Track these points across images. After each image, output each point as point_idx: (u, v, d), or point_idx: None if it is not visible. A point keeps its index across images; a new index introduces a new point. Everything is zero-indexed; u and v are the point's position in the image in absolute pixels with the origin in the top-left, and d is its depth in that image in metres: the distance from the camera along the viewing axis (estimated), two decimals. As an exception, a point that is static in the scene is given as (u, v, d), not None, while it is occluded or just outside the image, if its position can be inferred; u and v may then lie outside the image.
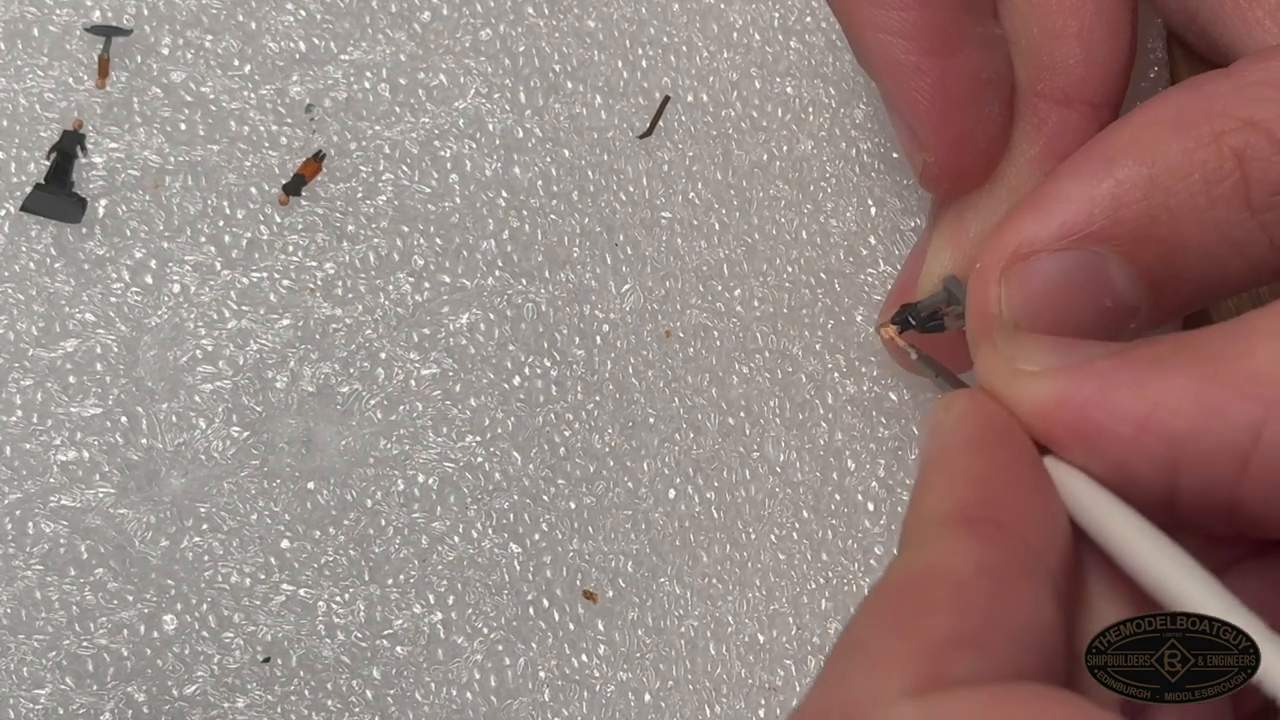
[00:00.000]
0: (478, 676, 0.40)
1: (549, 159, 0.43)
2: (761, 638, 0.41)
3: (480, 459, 0.41)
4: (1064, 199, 0.34)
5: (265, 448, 0.41)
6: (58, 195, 0.41)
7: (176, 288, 0.42)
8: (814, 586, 0.41)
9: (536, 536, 0.41)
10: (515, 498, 0.41)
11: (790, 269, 0.43)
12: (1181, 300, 0.36)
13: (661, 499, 0.41)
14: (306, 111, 0.43)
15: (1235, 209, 0.33)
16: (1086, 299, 0.35)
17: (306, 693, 0.40)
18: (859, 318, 0.42)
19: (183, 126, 0.42)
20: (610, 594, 0.41)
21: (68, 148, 0.42)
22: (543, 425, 0.41)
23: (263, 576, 0.40)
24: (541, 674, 0.40)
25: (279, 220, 0.42)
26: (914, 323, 0.38)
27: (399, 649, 0.40)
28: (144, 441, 0.41)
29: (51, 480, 0.40)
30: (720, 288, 0.43)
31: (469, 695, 0.40)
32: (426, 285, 0.42)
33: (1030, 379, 0.32)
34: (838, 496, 0.42)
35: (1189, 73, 0.44)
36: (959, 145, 0.37)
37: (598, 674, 0.40)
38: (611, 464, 0.41)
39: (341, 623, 0.40)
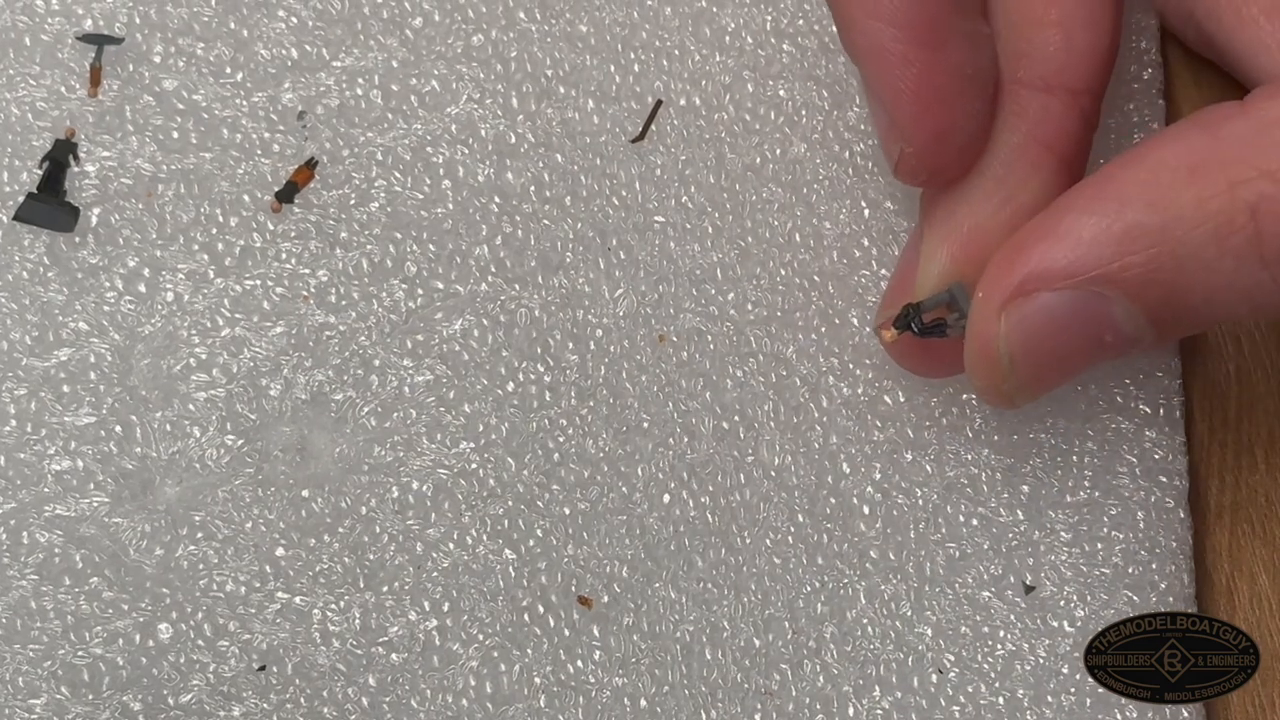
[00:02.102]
0: (473, 683, 0.40)
1: (541, 164, 0.43)
2: (757, 642, 0.41)
3: (474, 465, 0.41)
4: (1072, 239, 0.34)
5: (259, 456, 0.41)
6: (50, 204, 0.41)
7: (170, 296, 0.42)
8: (809, 590, 0.41)
9: (531, 542, 0.41)
10: (509, 504, 0.41)
11: (784, 272, 0.43)
12: (1184, 332, 0.36)
13: (656, 504, 0.41)
14: (299, 118, 0.43)
15: (1246, 261, 0.33)
16: (1086, 335, 0.35)
17: (302, 700, 0.40)
18: (853, 320, 0.42)
19: (175, 134, 0.42)
20: (605, 599, 0.41)
21: (60, 156, 0.42)
22: (536, 431, 0.41)
23: (258, 585, 0.40)
24: (537, 680, 0.40)
25: (272, 227, 0.42)
26: (915, 328, 0.38)
27: (394, 656, 0.40)
28: (138, 450, 0.41)
29: (46, 490, 0.40)
30: (714, 291, 0.42)
31: (464, 702, 0.40)
32: (420, 292, 0.42)
33: None
34: (833, 500, 0.41)
35: (1186, 74, 0.44)
36: (939, 139, 0.37)
37: (593, 680, 0.40)
38: (606, 469, 0.41)
39: (337, 630, 0.40)
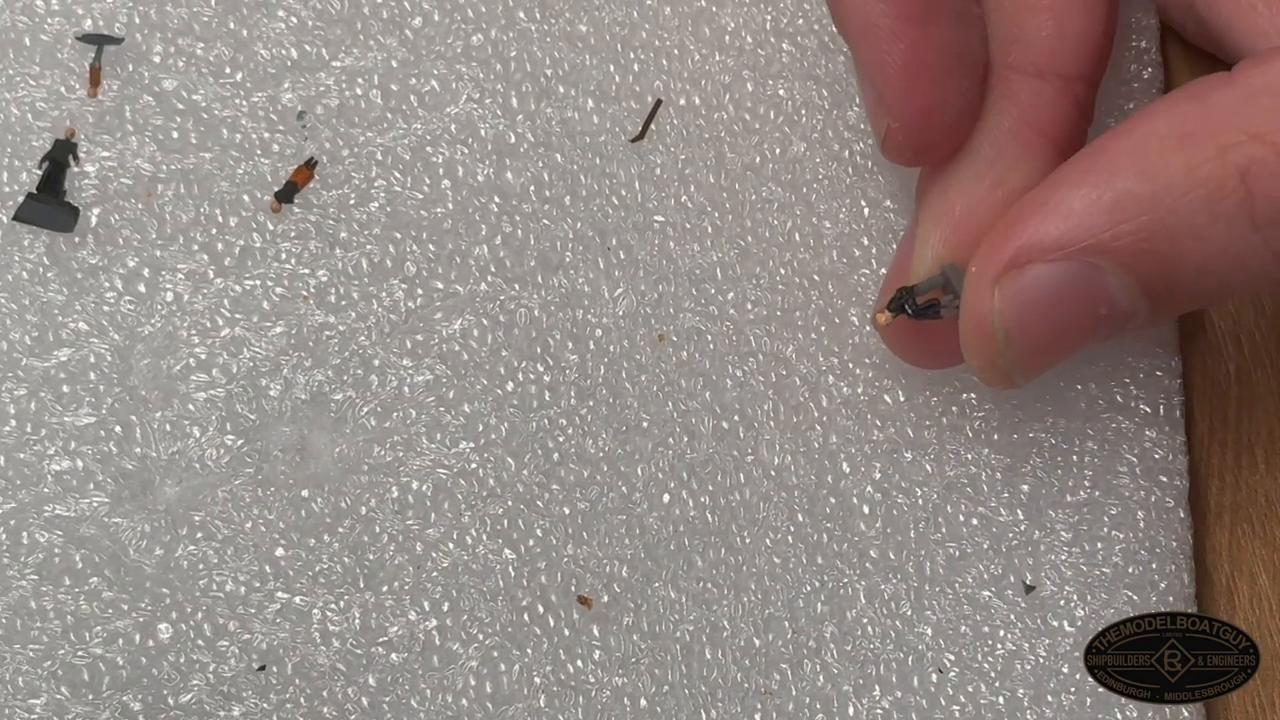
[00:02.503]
0: (473, 683, 0.40)
1: (541, 163, 0.43)
2: (757, 641, 0.41)
3: (474, 465, 0.41)
4: (1064, 210, 0.34)
5: (259, 456, 0.41)
6: (50, 204, 0.41)
7: (169, 296, 0.42)
8: (809, 590, 0.41)
9: (531, 542, 0.41)
10: (509, 504, 0.41)
11: (783, 271, 0.43)
12: (1180, 306, 0.35)
13: (656, 503, 0.41)
14: (298, 118, 0.43)
15: (1238, 226, 0.33)
16: (1081, 308, 0.35)
17: (302, 700, 0.40)
18: (853, 319, 0.42)
19: (175, 134, 0.42)
20: (605, 599, 0.41)
21: (60, 156, 0.42)
22: (536, 431, 0.41)
23: (257, 584, 0.40)
24: (537, 680, 0.40)
25: (271, 227, 0.42)
26: (909, 310, 0.38)
27: (394, 656, 0.40)
28: (138, 450, 0.41)
29: (46, 490, 0.40)
30: (713, 291, 0.42)
31: (464, 702, 0.40)
32: (419, 291, 0.42)
33: None
34: (833, 500, 0.41)
35: (1186, 73, 0.44)
36: (926, 116, 0.37)
37: (593, 679, 0.40)
38: (605, 469, 0.41)
39: (336, 630, 0.40)
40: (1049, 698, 0.40)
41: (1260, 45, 0.37)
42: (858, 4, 0.36)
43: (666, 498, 0.41)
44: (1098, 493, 0.42)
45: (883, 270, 0.42)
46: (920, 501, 0.41)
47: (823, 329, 0.42)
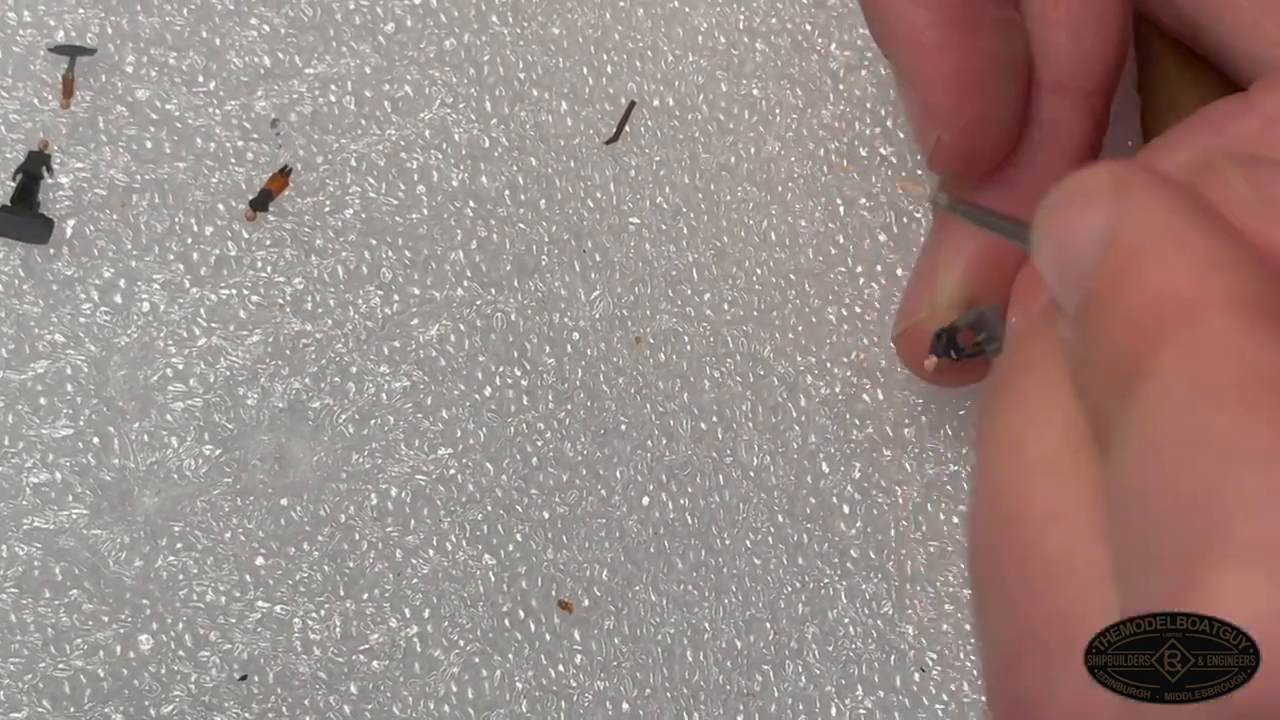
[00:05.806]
0: (455, 689, 0.40)
1: (516, 167, 0.43)
2: (739, 643, 0.41)
3: (453, 471, 0.41)
4: None
5: (238, 465, 0.41)
6: (24, 216, 0.41)
7: (146, 306, 0.41)
8: (790, 590, 0.41)
9: (510, 547, 0.41)
10: (489, 509, 0.41)
11: (760, 271, 0.42)
12: None
13: (635, 506, 0.41)
14: (272, 126, 0.43)
15: None
16: None
17: (284, 709, 0.40)
18: (830, 318, 0.42)
19: (149, 144, 0.42)
20: (586, 603, 0.41)
21: (33, 168, 0.42)
22: (514, 435, 0.41)
23: (238, 594, 0.40)
24: (519, 685, 0.40)
25: (247, 236, 0.42)
26: (954, 355, 0.37)
27: (375, 663, 0.40)
28: (116, 461, 0.41)
29: (24, 502, 0.40)
30: (690, 292, 0.42)
31: (446, 708, 0.40)
32: (395, 298, 0.42)
33: None
34: (812, 500, 0.41)
35: (1158, 48, 0.43)
36: (976, 126, 0.36)
37: (575, 684, 0.40)
38: (584, 472, 0.41)
39: (317, 638, 0.40)
40: (1032, 695, 0.40)
41: (1251, 44, 0.37)
42: (901, 14, 0.35)
43: (646, 500, 0.41)
44: (1077, 488, 0.41)
45: (859, 268, 0.42)
46: (900, 500, 0.41)
47: (800, 328, 0.42)
